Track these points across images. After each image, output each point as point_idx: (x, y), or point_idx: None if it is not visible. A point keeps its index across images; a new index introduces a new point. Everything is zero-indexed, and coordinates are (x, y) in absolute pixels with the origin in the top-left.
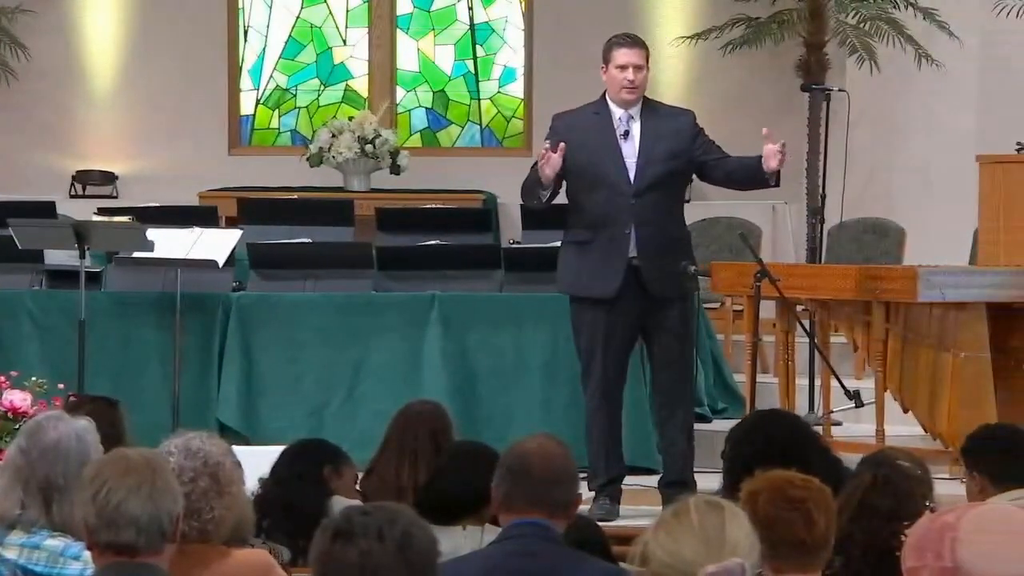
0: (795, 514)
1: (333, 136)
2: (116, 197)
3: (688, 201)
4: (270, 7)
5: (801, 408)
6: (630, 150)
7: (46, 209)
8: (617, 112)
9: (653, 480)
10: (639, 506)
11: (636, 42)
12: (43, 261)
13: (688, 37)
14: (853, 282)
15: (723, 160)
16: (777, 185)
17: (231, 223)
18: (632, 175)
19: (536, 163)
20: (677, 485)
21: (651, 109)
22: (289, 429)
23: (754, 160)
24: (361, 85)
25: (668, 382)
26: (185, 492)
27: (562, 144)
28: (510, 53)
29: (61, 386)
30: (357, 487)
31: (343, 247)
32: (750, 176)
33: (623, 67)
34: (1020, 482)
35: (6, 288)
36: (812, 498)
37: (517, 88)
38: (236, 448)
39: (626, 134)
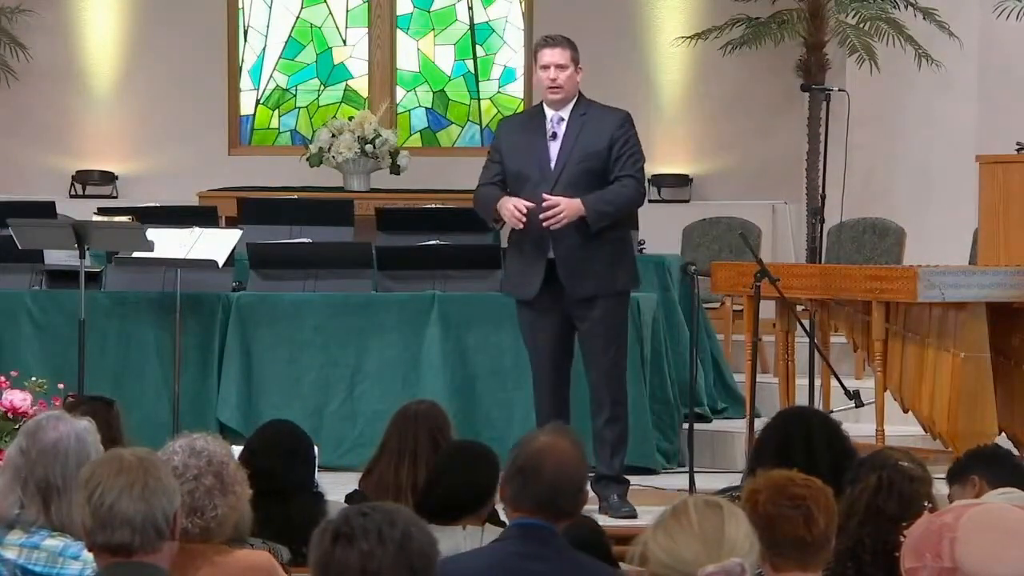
0: (796, 512)
1: (333, 136)
2: (116, 197)
3: (688, 201)
4: (270, 7)
5: None
6: (555, 151)
7: (46, 209)
8: (549, 113)
9: (653, 480)
10: (639, 506)
11: (558, 42)
12: (43, 261)
13: (688, 37)
14: (853, 282)
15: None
16: (594, 231)
17: (231, 223)
18: (552, 176)
19: (486, 183)
20: (604, 480)
21: (582, 109)
22: None
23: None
24: (361, 85)
25: (594, 381)
26: (189, 490)
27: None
28: (510, 53)
29: (61, 386)
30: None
31: (343, 247)
32: None
33: (545, 67)
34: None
35: (6, 288)
36: (812, 496)
37: (517, 88)
38: (235, 448)
39: (554, 135)
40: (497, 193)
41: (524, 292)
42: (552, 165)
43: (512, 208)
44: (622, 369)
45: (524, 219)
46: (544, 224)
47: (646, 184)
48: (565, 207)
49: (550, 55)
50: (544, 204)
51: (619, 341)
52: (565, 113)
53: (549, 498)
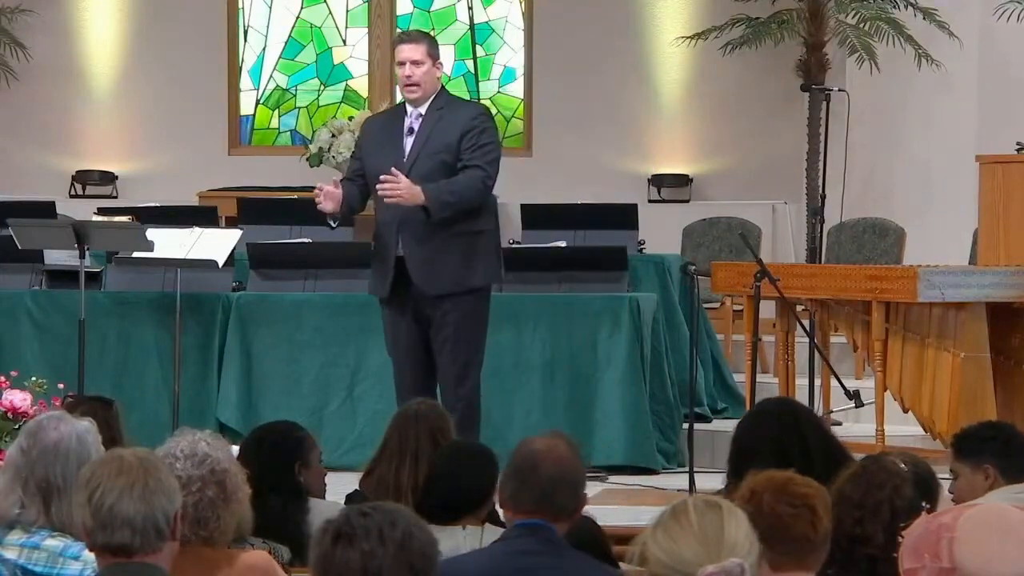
0: (801, 511)
1: (333, 136)
2: (116, 197)
3: (688, 201)
4: (270, 7)
5: None
6: (409, 146)
7: (46, 209)
8: (409, 110)
9: (653, 480)
10: (639, 506)
11: (413, 37)
12: (43, 261)
13: (688, 37)
14: (853, 282)
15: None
16: (430, 217)
17: (231, 223)
18: (404, 169)
19: (344, 178)
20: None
21: (440, 103)
22: None
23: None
24: (361, 85)
25: (442, 384)
26: (193, 502)
27: (334, 185)
28: (510, 53)
29: (61, 386)
30: (358, 487)
31: (343, 247)
32: None
33: (401, 64)
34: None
35: (6, 288)
36: (815, 496)
37: (517, 88)
38: (234, 448)
39: (411, 131)
40: (350, 188)
41: (378, 290)
42: (405, 159)
43: (316, 192)
44: (473, 370)
45: (320, 196)
46: (379, 192)
47: (494, 179)
48: (405, 188)
49: (404, 51)
50: (386, 178)
51: (473, 341)
52: (423, 109)
53: (547, 495)
